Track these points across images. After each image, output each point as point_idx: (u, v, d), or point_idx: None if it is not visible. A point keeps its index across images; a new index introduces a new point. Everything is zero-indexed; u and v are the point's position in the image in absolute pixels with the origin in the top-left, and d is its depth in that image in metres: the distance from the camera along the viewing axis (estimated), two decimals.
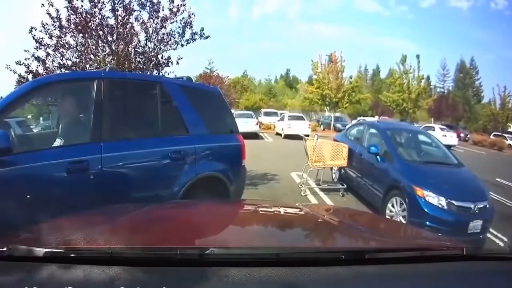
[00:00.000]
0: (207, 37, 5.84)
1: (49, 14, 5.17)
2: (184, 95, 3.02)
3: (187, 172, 2.86)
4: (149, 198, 2.50)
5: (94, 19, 5.28)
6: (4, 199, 2.03)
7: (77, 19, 5.21)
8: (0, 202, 2.03)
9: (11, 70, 5.10)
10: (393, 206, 4.46)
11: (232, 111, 6.21)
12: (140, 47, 5.68)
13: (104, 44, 5.42)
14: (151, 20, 5.60)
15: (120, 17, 5.41)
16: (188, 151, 2.88)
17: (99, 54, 5.44)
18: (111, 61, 5.41)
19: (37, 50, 5.20)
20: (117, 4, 5.40)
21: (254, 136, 15.39)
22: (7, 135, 2.10)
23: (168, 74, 5.70)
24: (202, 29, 5.79)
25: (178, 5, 5.59)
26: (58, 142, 2.51)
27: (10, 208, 1.96)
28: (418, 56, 29.51)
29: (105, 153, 2.43)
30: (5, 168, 2.10)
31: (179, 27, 5.69)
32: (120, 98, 2.76)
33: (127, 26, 5.45)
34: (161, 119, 2.88)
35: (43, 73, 5.09)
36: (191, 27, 5.69)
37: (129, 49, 5.48)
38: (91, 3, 5.27)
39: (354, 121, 16.29)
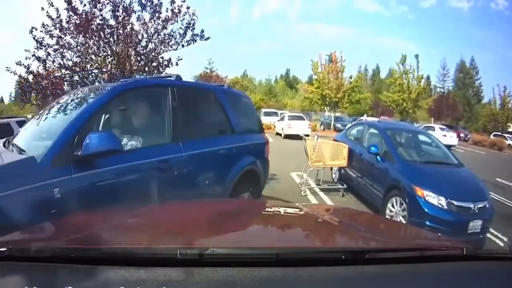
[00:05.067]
0: (207, 39, 5.88)
1: (49, 16, 5.17)
2: (228, 100, 3.43)
3: (238, 165, 3.30)
4: (215, 189, 2.99)
5: (95, 20, 5.28)
6: (113, 194, 2.22)
7: (78, 20, 5.21)
8: (109, 197, 2.18)
9: (11, 72, 5.11)
10: (393, 206, 4.46)
11: None
12: (141, 48, 5.69)
13: (105, 45, 5.43)
14: (152, 21, 5.61)
15: (120, 18, 5.41)
16: (238, 147, 3.37)
17: (100, 54, 5.44)
18: (111, 62, 5.42)
19: (38, 50, 5.21)
20: (117, 5, 5.41)
21: None
22: (117, 137, 2.23)
23: None
24: (202, 31, 5.85)
25: (179, 6, 5.61)
26: (147, 143, 2.62)
27: (118, 201, 2.14)
28: (417, 56, 29.69)
29: (184, 152, 2.70)
30: (116, 166, 2.29)
31: (180, 28, 5.71)
32: (188, 103, 3.01)
33: (127, 27, 5.45)
34: (217, 121, 3.34)
35: (44, 74, 5.09)
36: (193, 28, 5.71)
37: (130, 50, 5.49)
38: (91, 4, 5.28)
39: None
